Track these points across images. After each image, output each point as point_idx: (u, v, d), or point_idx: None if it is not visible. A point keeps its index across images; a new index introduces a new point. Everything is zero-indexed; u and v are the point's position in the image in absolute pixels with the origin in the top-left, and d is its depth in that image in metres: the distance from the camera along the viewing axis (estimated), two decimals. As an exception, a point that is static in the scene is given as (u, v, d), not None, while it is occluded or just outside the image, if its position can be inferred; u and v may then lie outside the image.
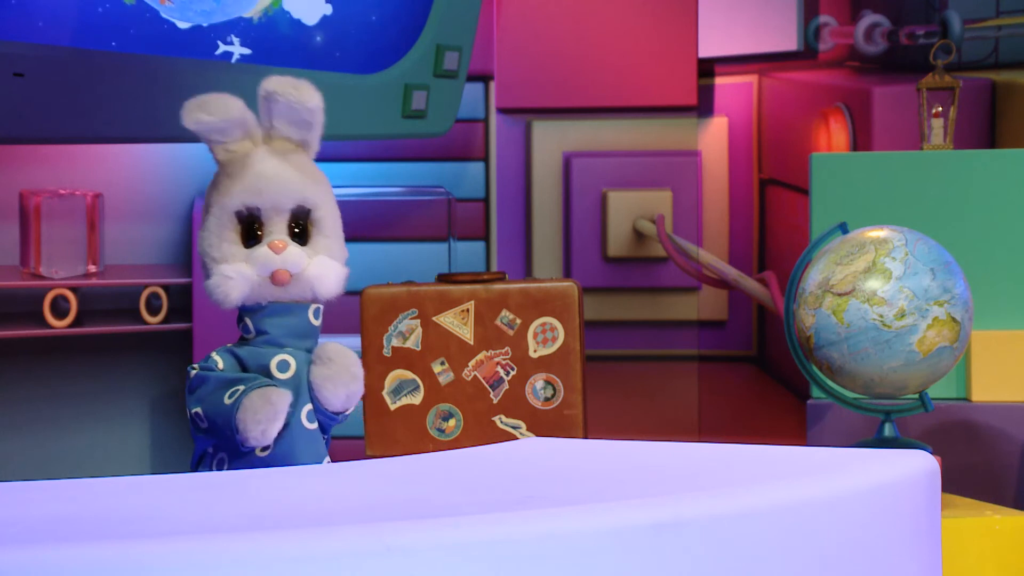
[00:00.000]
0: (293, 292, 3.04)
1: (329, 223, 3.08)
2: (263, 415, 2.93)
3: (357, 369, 3.07)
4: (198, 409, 3.02)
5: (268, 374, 3.04)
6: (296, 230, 3.05)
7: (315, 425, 3.06)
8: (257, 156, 3.04)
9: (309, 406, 3.05)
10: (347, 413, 3.10)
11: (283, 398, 2.96)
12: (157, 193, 5.16)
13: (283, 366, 3.05)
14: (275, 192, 3.03)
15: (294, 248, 3.03)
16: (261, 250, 3.02)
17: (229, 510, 1.95)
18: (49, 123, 4.75)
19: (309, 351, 3.08)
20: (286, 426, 3.00)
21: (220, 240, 3.03)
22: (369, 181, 5.37)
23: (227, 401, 2.96)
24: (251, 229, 3.04)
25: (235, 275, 3.01)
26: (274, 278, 3.01)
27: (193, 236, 5.12)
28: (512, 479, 2.17)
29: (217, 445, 3.05)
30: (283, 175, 3.04)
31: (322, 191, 3.09)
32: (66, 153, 5.00)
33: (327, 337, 3.17)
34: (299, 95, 3.03)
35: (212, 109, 3.01)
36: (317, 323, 3.09)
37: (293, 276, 3.02)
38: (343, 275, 3.09)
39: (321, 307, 3.10)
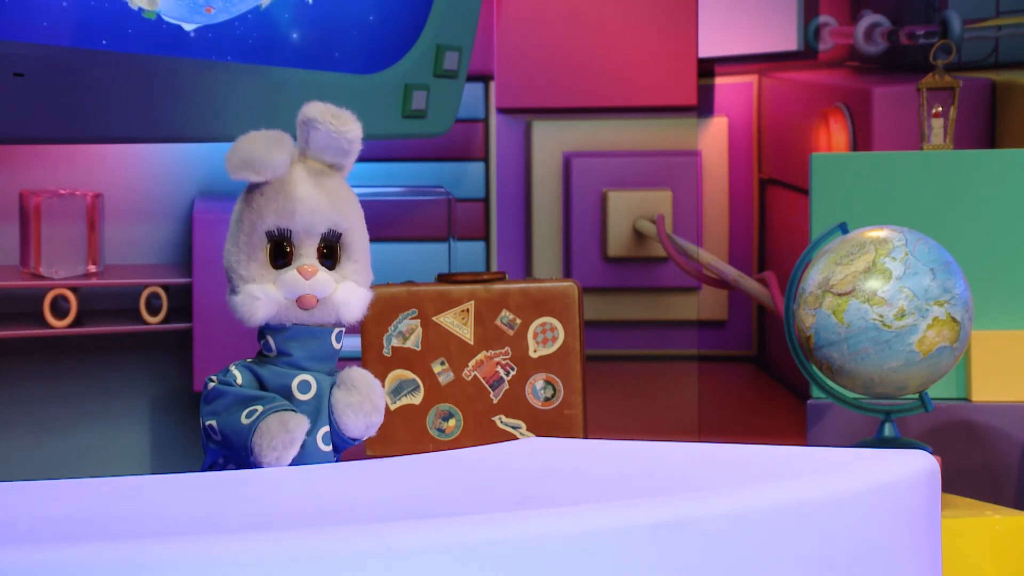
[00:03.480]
0: (318, 316, 3.05)
1: (357, 248, 3.08)
2: (279, 441, 2.93)
3: (380, 400, 3.07)
4: (212, 422, 3.02)
5: (289, 394, 3.04)
6: (325, 252, 3.05)
7: (330, 448, 3.06)
8: (291, 177, 3.04)
9: (326, 428, 3.05)
10: (363, 439, 3.10)
11: (300, 425, 2.96)
12: (157, 193, 5.16)
13: (304, 387, 3.05)
14: (308, 215, 3.02)
15: (323, 274, 3.03)
16: (290, 273, 3.02)
17: (229, 510, 1.95)
18: (49, 123, 4.75)
19: (330, 374, 3.08)
20: (301, 447, 3.00)
21: (249, 259, 3.03)
22: (369, 181, 5.37)
23: (244, 421, 2.96)
24: (281, 250, 3.04)
25: (262, 296, 3.01)
26: (300, 302, 3.02)
27: (193, 236, 5.12)
28: (512, 479, 2.17)
29: (228, 457, 3.05)
30: (317, 199, 3.03)
31: (353, 215, 3.09)
32: (66, 153, 5.00)
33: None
34: (340, 125, 3.01)
35: (261, 168, 2.98)
36: (338, 346, 3.10)
37: (320, 301, 3.03)
38: (367, 300, 3.10)
39: (343, 331, 3.10)
